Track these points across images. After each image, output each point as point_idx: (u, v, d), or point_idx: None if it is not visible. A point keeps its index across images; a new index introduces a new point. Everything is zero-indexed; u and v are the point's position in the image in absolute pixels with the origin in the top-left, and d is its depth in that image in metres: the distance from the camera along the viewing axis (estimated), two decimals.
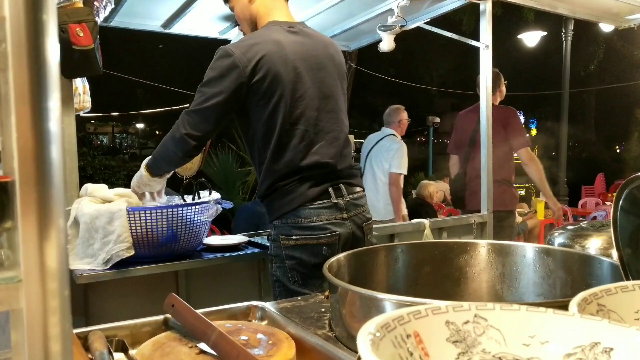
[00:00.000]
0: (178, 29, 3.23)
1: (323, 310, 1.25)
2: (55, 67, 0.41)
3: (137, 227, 1.80)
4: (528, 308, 0.47)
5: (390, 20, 2.93)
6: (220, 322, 1.11)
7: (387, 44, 2.97)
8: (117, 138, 27.38)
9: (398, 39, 3.02)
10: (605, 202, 9.53)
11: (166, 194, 6.27)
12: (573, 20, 10.60)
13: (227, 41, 3.47)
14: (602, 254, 1.34)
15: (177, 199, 2.18)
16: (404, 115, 4.63)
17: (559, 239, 1.53)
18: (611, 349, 0.42)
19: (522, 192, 10.09)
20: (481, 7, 3.08)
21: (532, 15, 11.59)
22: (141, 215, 1.80)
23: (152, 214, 1.79)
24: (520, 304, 0.47)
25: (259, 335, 1.06)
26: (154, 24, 3.18)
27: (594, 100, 17.32)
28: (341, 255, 1.28)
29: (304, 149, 1.74)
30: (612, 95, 15.66)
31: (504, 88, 3.89)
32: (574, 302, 0.52)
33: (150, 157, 1.90)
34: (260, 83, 1.68)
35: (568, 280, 1.26)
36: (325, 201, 1.75)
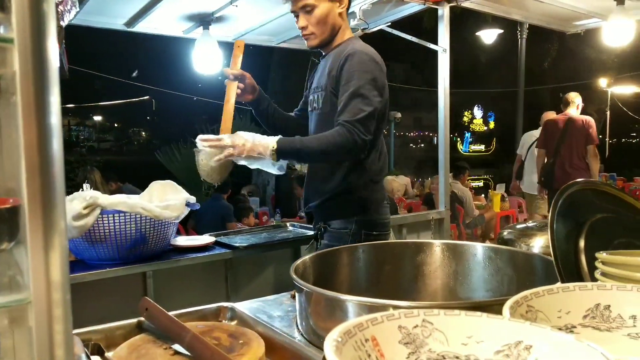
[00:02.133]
0: (142, 27, 3.22)
1: (289, 310, 1.33)
2: (56, 65, 0.46)
3: (106, 229, 1.83)
4: (467, 313, 0.56)
5: (353, 22, 3.01)
6: (192, 323, 1.16)
7: None
8: (74, 131, 26.61)
9: (361, 38, 3.11)
10: None
11: (126, 189, 6.14)
12: None
13: (192, 40, 3.49)
14: (544, 252, 1.47)
15: (138, 197, 2.20)
16: None
17: (507, 237, 1.66)
18: (531, 346, 0.51)
19: (480, 184, 10.41)
20: (439, 12, 3.20)
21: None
22: (109, 218, 1.82)
23: (122, 217, 1.83)
24: (460, 309, 0.55)
25: (230, 335, 1.12)
26: (117, 22, 3.16)
27: (549, 96, 17.94)
28: (306, 257, 1.36)
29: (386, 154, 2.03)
30: (565, 91, 16.26)
31: (581, 104, 5.42)
32: (507, 305, 0.62)
33: (288, 140, 1.79)
34: None
35: (514, 277, 1.37)
36: (387, 201, 2.04)
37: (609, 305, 0.66)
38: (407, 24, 3.52)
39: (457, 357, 0.53)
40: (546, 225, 1.73)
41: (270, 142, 1.74)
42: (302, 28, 1.88)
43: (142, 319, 1.15)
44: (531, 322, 0.53)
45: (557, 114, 5.78)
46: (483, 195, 9.33)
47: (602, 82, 8.90)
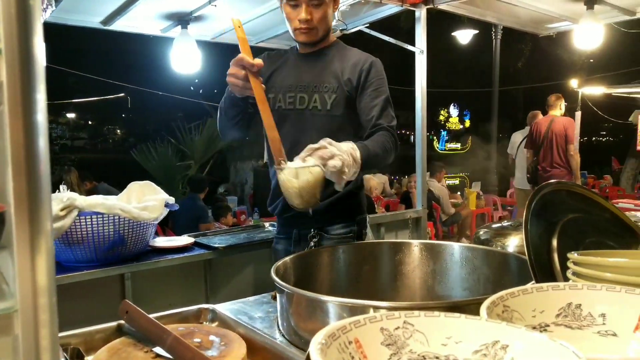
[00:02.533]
0: (119, 25, 3.18)
1: (270, 310, 1.34)
2: (42, 62, 0.46)
3: (84, 231, 1.81)
4: (446, 314, 0.58)
5: (332, 23, 3.03)
6: (173, 325, 1.17)
7: None
8: None
9: (340, 39, 3.13)
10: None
11: (101, 188, 6.02)
12: None
13: (170, 39, 3.46)
14: (518, 252, 1.51)
15: (116, 198, 2.18)
16: None
17: (483, 236, 1.70)
18: (507, 345, 0.54)
19: (456, 182, 10.55)
20: (416, 14, 3.24)
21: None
22: (86, 220, 1.81)
23: (99, 218, 1.81)
24: (440, 310, 0.57)
25: (212, 337, 1.12)
26: (94, 20, 3.11)
27: (522, 96, 18.25)
28: (287, 258, 1.37)
29: None
30: (539, 91, 16.58)
31: (563, 106, 5.91)
32: (484, 306, 0.64)
33: (363, 148, 1.60)
34: None
35: (490, 276, 1.41)
36: None
37: (580, 305, 0.69)
38: (385, 22, 3.55)
39: (437, 357, 0.55)
40: (520, 225, 1.77)
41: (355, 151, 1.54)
42: (306, 21, 1.74)
43: (121, 322, 1.14)
44: (507, 323, 0.55)
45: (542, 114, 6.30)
46: (459, 193, 9.46)
47: (574, 82, 9.12)
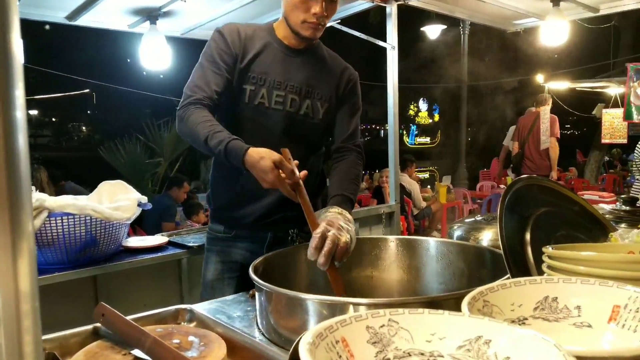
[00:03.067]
0: (85, 21, 3.10)
1: (249, 309, 1.33)
2: (20, 58, 0.46)
3: (54, 233, 1.76)
4: (430, 311, 0.59)
5: None
6: (151, 327, 1.15)
7: None
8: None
9: None
10: (500, 186, 10.32)
11: (68, 187, 5.86)
12: None
13: (138, 35, 3.39)
14: (492, 245, 1.54)
15: (86, 198, 2.13)
16: None
17: (457, 231, 1.73)
18: (490, 340, 0.55)
19: (426, 176, 10.70)
20: (387, 10, 3.26)
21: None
22: (57, 221, 1.76)
23: (70, 219, 1.77)
24: (420, 307, 0.58)
25: (191, 338, 1.11)
26: (58, 15, 3.03)
27: (489, 91, 18.60)
28: (265, 256, 1.37)
29: None
30: (505, 86, 16.94)
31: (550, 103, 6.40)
32: (465, 301, 0.65)
33: (350, 202, 1.63)
34: None
35: (465, 270, 1.44)
36: None
37: (557, 297, 0.72)
38: (354, 17, 3.56)
39: (422, 354, 0.56)
40: (493, 219, 1.81)
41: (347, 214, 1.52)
42: (322, 16, 1.60)
43: (98, 325, 1.12)
44: (489, 318, 0.57)
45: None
46: (429, 186, 9.59)
47: (540, 78, 9.35)
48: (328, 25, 1.72)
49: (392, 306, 1.02)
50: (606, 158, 13.03)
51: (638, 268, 0.75)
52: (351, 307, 1.01)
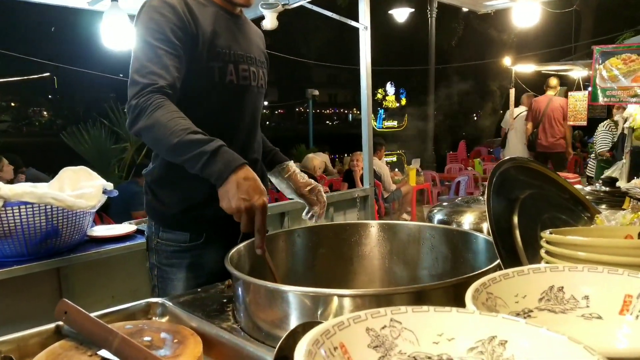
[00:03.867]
0: None
1: (225, 300, 1.26)
2: None
3: (11, 223, 1.64)
4: (436, 309, 0.53)
5: None
6: (119, 324, 1.07)
7: (270, 22, 2.96)
8: None
9: (281, 14, 3.02)
10: (467, 168, 10.45)
11: (29, 174, 5.64)
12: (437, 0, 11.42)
13: (99, 13, 3.21)
14: (475, 229, 1.51)
15: (47, 186, 2.00)
16: None
17: (438, 215, 1.68)
18: (506, 341, 0.49)
19: (394, 159, 10.74)
20: None
21: None
22: (14, 210, 1.64)
23: (29, 209, 1.64)
24: (409, 296, 0.52)
25: (163, 334, 1.04)
26: None
27: (456, 73, 18.76)
28: (241, 245, 1.29)
29: None
30: (471, 69, 17.11)
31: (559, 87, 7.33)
32: (469, 295, 0.60)
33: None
34: None
35: (449, 255, 1.39)
36: None
37: (562, 287, 0.67)
38: (321, 2, 3.46)
39: (429, 358, 0.50)
40: (473, 201, 1.78)
41: None
42: None
43: (60, 323, 1.04)
44: (504, 316, 0.51)
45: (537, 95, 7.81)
46: (396, 169, 9.62)
47: (507, 60, 9.47)
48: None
49: (380, 297, 0.97)
50: None
51: None
52: (335, 298, 0.95)
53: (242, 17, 1.59)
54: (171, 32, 1.34)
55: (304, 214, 1.72)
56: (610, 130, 5.80)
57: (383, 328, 0.51)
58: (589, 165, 6.44)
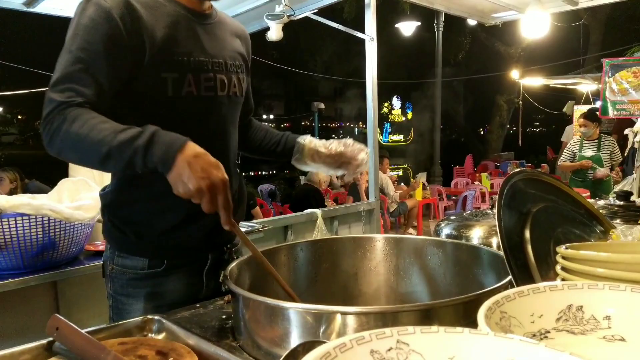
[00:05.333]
0: (44, 7, 2.92)
1: (224, 317, 1.21)
2: None
3: (7, 235, 1.60)
4: (446, 329, 0.48)
5: (279, 9, 2.91)
6: (113, 340, 1.03)
7: (275, 33, 2.94)
8: None
9: (286, 26, 3.01)
10: (474, 182, 10.39)
11: (32, 186, 5.64)
12: (444, 13, 11.43)
13: None
14: (484, 243, 1.46)
15: (45, 197, 1.97)
16: None
17: (446, 229, 1.63)
18: None
19: (400, 173, 10.71)
20: (366, 0, 3.16)
21: (407, 6, 12.20)
22: (9, 222, 1.60)
23: (25, 220, 1.61)
24: (416, 315, 0.48)
25: (158, 352, 1.00)
26: (15, 1, 2.83)
27: (463, 87, 18.77)
28: (241, 259, 1.25)
29: None
30: (478, 82, 17.14)
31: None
32: (481, 314, 0.55)
33: None
34: None
35: (457, 270, 1.34)
36: None
37: (582, 306, 0.62)
38: (328, 13, 3.46)
39: None
40: (482, 215, 1.73)
41: None
42: None
43: (52, 339, 1.00)
44: (521, 338, 0.46)
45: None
46: (402, 184, 9.58)
47: (515, 74, 9.44)
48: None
49: (386, 314, 0.92)
50: None
51: None
52: (339, 315, 0.90)
53: (213, 15, 1.41)
54: (101, 43, 1.17)
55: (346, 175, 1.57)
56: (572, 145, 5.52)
57: (389, 350, 0.46)
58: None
